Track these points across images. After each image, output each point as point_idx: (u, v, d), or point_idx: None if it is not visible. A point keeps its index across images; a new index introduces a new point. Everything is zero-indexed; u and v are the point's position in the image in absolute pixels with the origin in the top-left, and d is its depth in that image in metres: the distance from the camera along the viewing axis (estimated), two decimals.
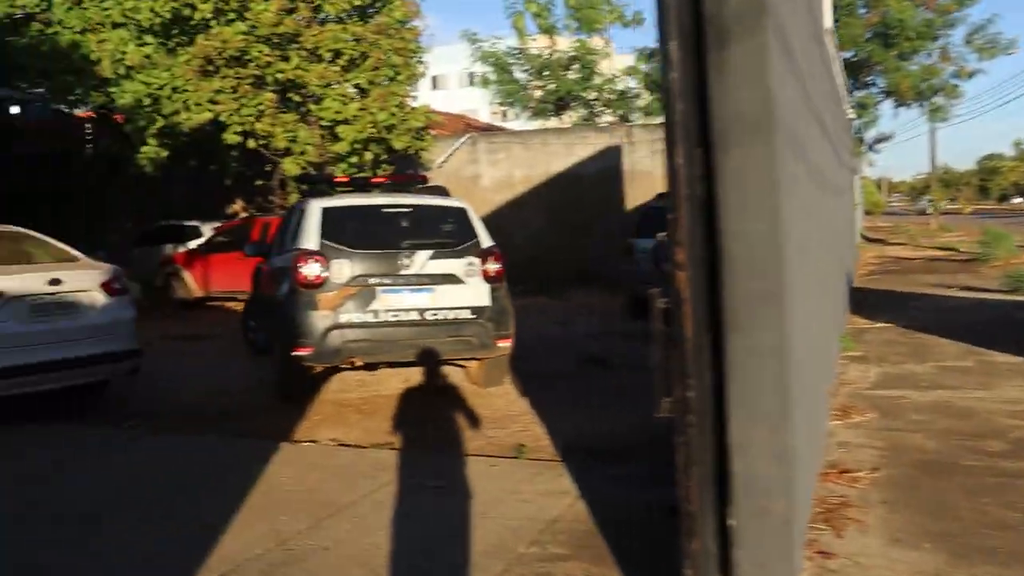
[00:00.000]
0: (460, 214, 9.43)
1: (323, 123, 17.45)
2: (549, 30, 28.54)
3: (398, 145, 17.74)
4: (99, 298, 8.55)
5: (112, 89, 18.19)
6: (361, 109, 17.12)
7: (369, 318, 8.62)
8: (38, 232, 9.44)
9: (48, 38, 18.90)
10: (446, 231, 9.29)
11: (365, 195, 9.96)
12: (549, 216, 20.73)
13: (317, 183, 11.12)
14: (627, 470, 6.21)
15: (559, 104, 28.21)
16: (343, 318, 8.57)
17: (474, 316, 8.87)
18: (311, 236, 8.77)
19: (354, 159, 17.76)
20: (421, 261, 8.81)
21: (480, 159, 21.97)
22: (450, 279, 8.89)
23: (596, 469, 6.23)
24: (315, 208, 8.99)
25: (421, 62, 19.49)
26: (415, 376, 9.93)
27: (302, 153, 17.46)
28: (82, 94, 19.78)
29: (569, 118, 28.58)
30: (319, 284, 8.58)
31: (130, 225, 21.94)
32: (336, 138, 17.37)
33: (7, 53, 19.41)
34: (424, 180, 11.28)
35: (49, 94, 19.83)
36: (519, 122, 33.41)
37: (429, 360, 9.18)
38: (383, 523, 5.26)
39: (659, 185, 19.36)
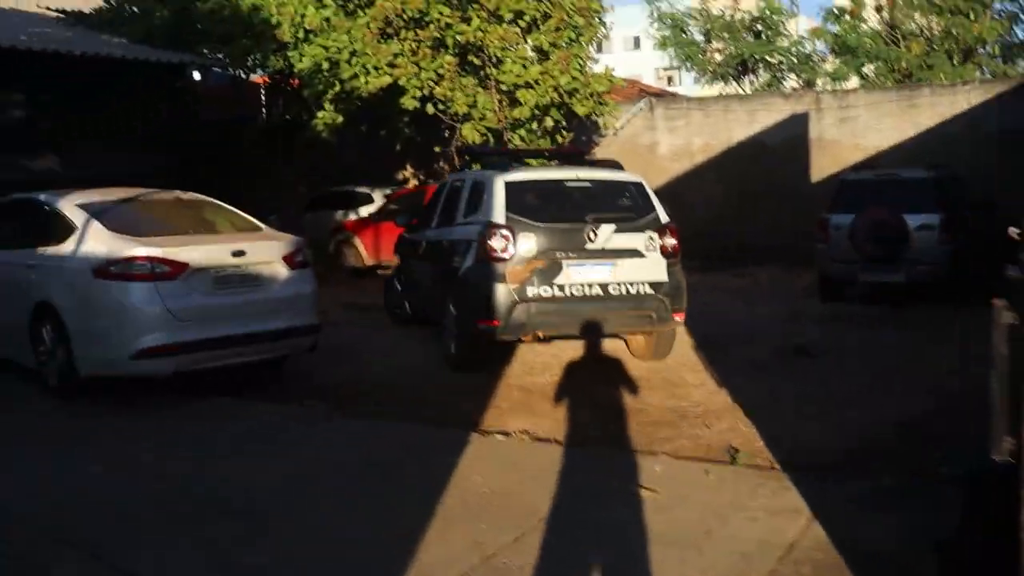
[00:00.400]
0: (638, 188, 9.33)
1: (502, 87, 16.87)
2: None
3: (581, 110, 16.95)
4: (281, 271, 8.25)
5: (291, 53, 18.11)
6: (543, 72, 16.45)
7: (555, 292, 8.57)
8: (219, 199, 9.26)
9: (229, 3, 18.98)
10: (625, 205, 9.20)
11: (545, 170, 10.10)
12: (730, 187, 19.61)
13: (481, 156, 11.20)
14: (858, 486, 5.49)
15: (741, 68, 26.83)
16: (530, 292, 8.50)
17: (653, 291, 8.81)
18: (498, 209, 8.69)
19: (533, 125, 17.14)
20: (606, 235, 8.73)
21: (657, 126, 21.01)
22: (633, 253, 8.82)
23: (823, 482, 5.53)
24: (498, 182, 8.88)
25: (603, 23, 18.69)
26: (602, 358, 9.55)
27: (482, 119, 16.94)
28: (260, 59, 19.83)
29: (750, 83, 27.16)
30: (507, 258, 8.51)
31: (303, 190, 22.00)
32: (515, 103, 16.77)
33: (189, 19, 19.63)
34: (584, 153, 11.25)
35: (228, 59, 19.94)
36: (695, 87, 32.23)
37: (609, 334, 9.29)
38: (593, 538, 4.71)
39: (848, 156, 18.13)
